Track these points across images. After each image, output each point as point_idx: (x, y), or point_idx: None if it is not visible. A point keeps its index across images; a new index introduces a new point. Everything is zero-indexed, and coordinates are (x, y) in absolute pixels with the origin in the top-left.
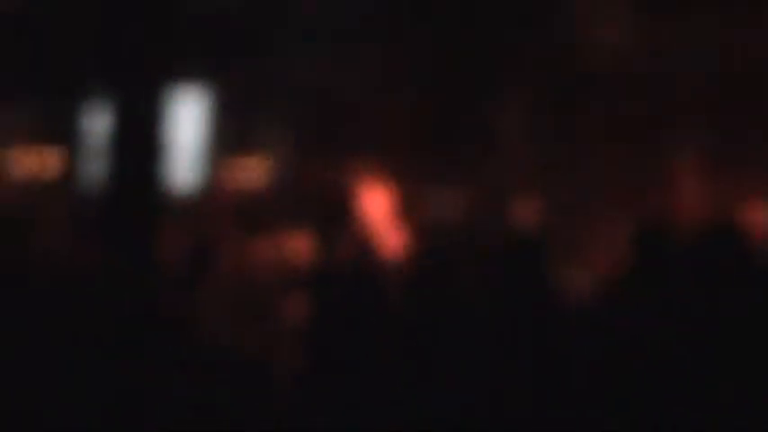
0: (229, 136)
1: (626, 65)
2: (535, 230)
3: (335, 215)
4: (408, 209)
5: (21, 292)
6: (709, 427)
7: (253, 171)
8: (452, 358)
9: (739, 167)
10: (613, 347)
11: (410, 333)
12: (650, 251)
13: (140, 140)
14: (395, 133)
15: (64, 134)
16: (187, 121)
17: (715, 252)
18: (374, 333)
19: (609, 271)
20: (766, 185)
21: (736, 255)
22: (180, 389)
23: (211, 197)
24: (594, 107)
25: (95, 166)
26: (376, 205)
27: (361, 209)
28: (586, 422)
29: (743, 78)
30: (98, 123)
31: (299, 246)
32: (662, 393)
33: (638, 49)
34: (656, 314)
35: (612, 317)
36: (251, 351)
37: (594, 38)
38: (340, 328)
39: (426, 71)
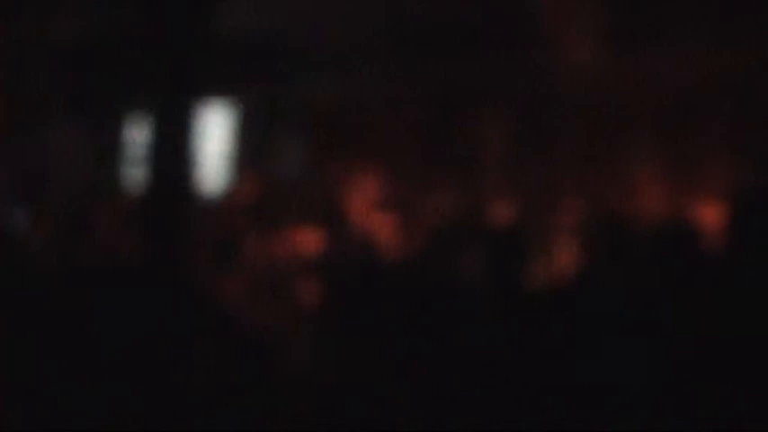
0: (250, 145)
1: (592, 84)
2: (512, 227)
3: (338, 213)
4: (404, 207)
5: (78, 281)
6: (671, 409)
7: (270, 176)
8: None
9: (693, 171)
10: (578, 333)
11: (408, 320)
12: (610, 244)
13: (174, 150)
14: (394, 142)
15: (109, 145)
16: (214, 133)
17: (669, 244)
18: (377, 318)
19: (574, 263)
20: (715, 186)
21: (687, 248)
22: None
23: (234, 199)
24: (564, 120)
25: (136, 172)
26: (375, 204)
27: (362, 207)
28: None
29: (699, 92)
30: (138, 135)
31: (307, 239)
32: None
33: (605, 70)
34: (617, 303)
35: (577, 305)
36: (269, 329)
37: (567, 60)
38: (346, 311)
39: (421, 89)
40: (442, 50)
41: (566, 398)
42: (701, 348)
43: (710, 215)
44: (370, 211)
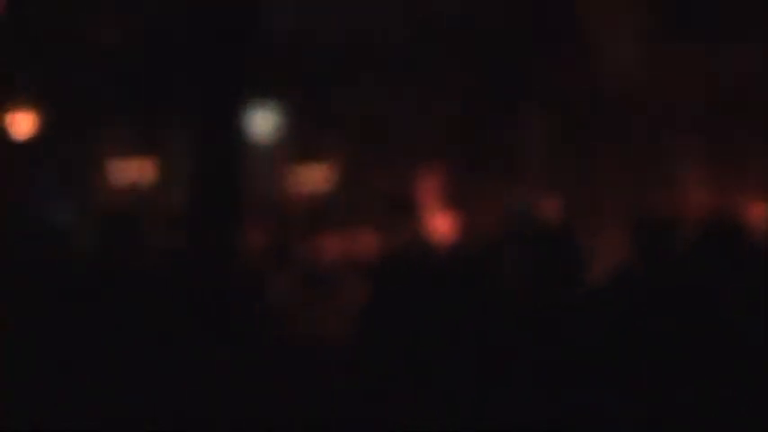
0: (301, 146)
1: (636, 83)
2: (558, 225)
3: (396, 211)
4: (454, 207)
5: (130, 279)
6: (712, 420)
7: (322, 177)
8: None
9: (738, 172)
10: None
11: (460, 316)
12: (655, 245)
13: (223, 151)
14: (444, 144)
15: (161, 146)
16: (267, 134)
17: (715, 243)
18: (429, 316)
19: (618, 263)
20: (761, 184)
21: (734, 246)
22: (260, 365)
23: (287, 200)
24: (609, 119)
25: (189, 173)
26: (429, 201)
27: (417, 204)
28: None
29: (742, 95)
30: (190, 137)
31: (362, 240)
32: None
33: (646, 73)
34: (661, 306)
35: (620, 308)
36: (320, 330)
37: (611, 60)
38: (400, 312)
39: (467, 91)
40: (487, 53)
41: (611, 397)
42: (751, 347)
43: (757, 213)
44: (422, 211)
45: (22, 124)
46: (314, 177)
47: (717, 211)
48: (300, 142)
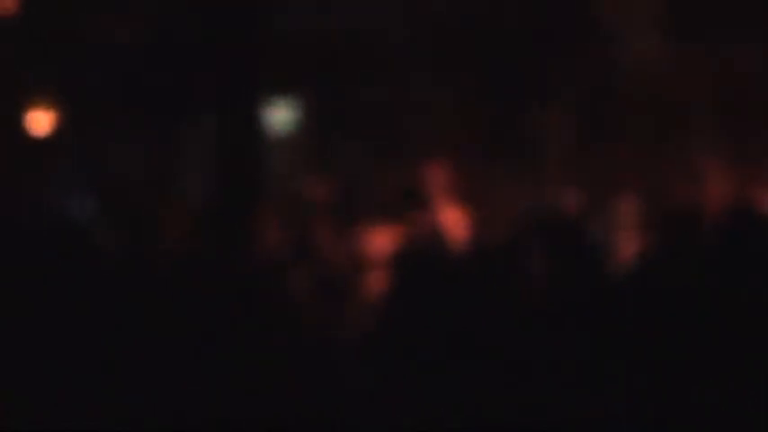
0: (319, 143)
1: (655, 76)
2: (578, 216)
3: (411, 207)
4: (471, 201)
5: (147, 275)
6: (733, 403)
7: (339, 173)
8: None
9: (756, 160)
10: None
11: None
12: (675, 234)
13: (240, 148)
14: (460, 138)
15: (176, 144)
16: (283, 130)
17: (735, 234)
18: (447, 310)
19: (640, 253)
20: None
21: (753, 237)
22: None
23: (305, 196)
24: (628, 112)
25: (206, 171)
26: (444, 198)
27: (432, 202)
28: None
29: (760, 88)
30: (206, 135)
31: (381, 237)
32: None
33: (667, 63)
34: (683, 293)
35: (642, 296)
36: (337, 327)
37: (630, 52)
38: (418, 307)
39: (487, 84)
40: (507, 47)
41: (629, 388)
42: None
43: None
44: (439, 205)
45: (41, 122)
46: (328, 173)
47: (737, 203)
48: (316, 138)
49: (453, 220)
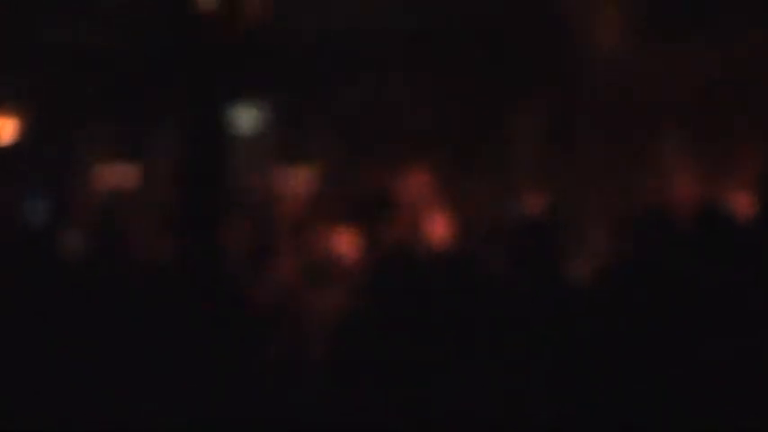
0: (285, 145)
1: (622, 76)
2: (545, 219)
3: (379, 210)
4: (444, 200)
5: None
6: (706, 405)
7: (305, 175)
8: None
9: (726, 163)
10: (614, 330)
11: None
12: (644, 234)
13: (208, 149)
14: (428, 141)
15: (143, 147)
16: (252, 133)
17: (703, 233)
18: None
19: (608, 253)
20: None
21: (722, 236)
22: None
23: (271, 199)
24: (596, 112)
25: (171, 174)
26: (418, 198)
27: (400, 204)
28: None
29: (729, 86)
30: (173, 137)
31: (345, 239)
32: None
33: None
34: (653, 296)
35: (612, 299)
36: (306, 331)
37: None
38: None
39: (453, 87)
40: (474, 49)
41: (599, 388)
42: (740, 335)
43: (743, 202)
44: (408, 208)
45: (4, 128)
46: (299, 176)
47: (705, 202)
48: (285, 141)
49: (429, 224)
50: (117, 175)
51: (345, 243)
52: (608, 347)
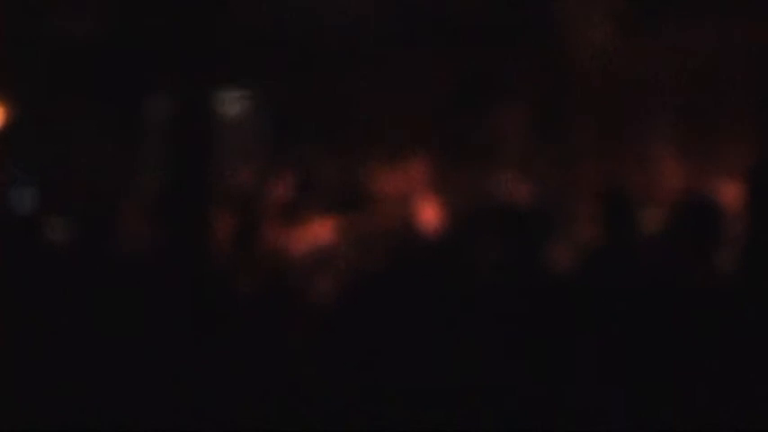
0: (269, 136)
1: (608, 65)
2: (530, 209)
3: (363, 200)
4: (429, 193)
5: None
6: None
7: (286, 166)
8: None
9: (712, 153)
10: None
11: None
12: (630, 224)
13: (193, 141)
14: (416, 130)
15: (130, 134)
16: (234, 124)
17: (689, 223)
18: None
19: (595, 244)
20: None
21: (708, 226)
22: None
23: (254, 190)
24: (582, 102)
25: (156, 162)
26: (400, 190)
27: (387, 194)
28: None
29: (713, 75)
30: (159, 125)
31: (326, 230)
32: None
33: (620, 52)
34: (638, 283)
35: (596, 287)
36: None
37: (583, 42)
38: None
39: (441, 77)
40: (461, 39)
41: (587, 382)
42: (723, 329)
43: (730, 193)
44: (394, 197)
45: None
46: (280, 166)
47: (691, 192)
48: (271, 131)
49: (418, 213)
50: (103, 162)
51: (330, 231)
52: (592, 335)
